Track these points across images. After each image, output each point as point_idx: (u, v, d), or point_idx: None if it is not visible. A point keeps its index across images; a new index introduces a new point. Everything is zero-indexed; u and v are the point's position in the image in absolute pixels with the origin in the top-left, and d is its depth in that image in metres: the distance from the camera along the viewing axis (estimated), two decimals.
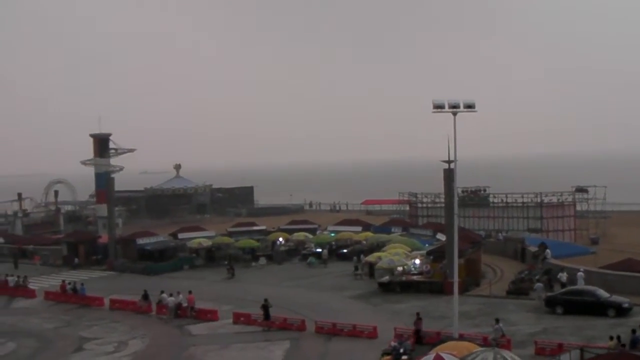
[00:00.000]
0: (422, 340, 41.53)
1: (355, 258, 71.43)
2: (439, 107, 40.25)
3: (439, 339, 39.23)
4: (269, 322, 48.66)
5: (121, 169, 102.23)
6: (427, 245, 72.30)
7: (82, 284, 64.27)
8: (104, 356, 44.18)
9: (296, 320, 48.21)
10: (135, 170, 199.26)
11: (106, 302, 59.16)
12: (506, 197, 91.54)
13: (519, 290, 55.40)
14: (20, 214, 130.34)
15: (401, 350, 38.01)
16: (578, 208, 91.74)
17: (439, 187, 67.61)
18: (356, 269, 67.30)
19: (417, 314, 44.25)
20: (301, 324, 47.64)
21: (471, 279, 58.93)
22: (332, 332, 45.91)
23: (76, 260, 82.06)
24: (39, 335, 49.98)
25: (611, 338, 35.87)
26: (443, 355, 29.37)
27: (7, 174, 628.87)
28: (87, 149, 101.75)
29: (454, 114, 40.24)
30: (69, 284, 64.45)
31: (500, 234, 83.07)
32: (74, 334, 50.03)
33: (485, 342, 38.35)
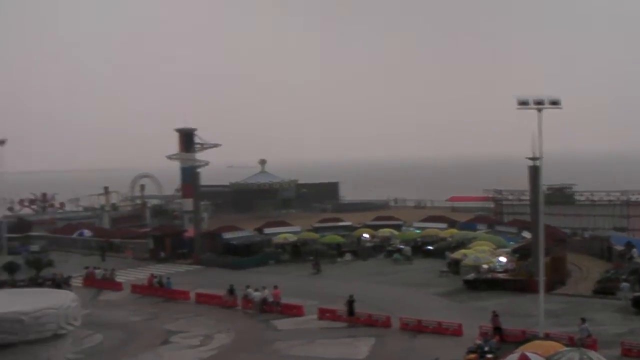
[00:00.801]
0: (502, 336, 41.13)
1: (448, 254, 70.47)
2: (523, 103, 39.68)
3: (524, 338, 38.75)
4: (353, 318, 48.56)
5: (207, 163, 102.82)
6: (512, 242, 71.54)
7: (169, 278, 64.84)
8: (190, 349, 44.52)
9: (381, 316, 47.97)
10: (222, 165, 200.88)
11: (192, 295, 59.65)
12: (592, 195, 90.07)
13: (605, 289, 54.30)
14: (107, 208, 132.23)
15: (486, 349, 37.60)
16: None
17: (525, 184, 66.80)
18: (449, 265, 66.67)
19: (494, 311, 43.85)
20: (386, 321, 47.39)
21: (557, 277, 57.99)
22: (417, 329, 45.62)
23: (162, 254, 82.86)
24: (126, 328, 50.50)
25: None
26: (528, 354, 28.94)
27: (95, 167, 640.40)
28: (173, 144, 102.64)
29: (539, 110, 39.61)
30: (155, 277, 65.21)
31: (585, 232, 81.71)
32: (160, 327, 50.44)
33: (571, 342, 37.75)
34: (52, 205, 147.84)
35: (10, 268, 70.58)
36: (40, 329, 8.79)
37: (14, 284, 62.69)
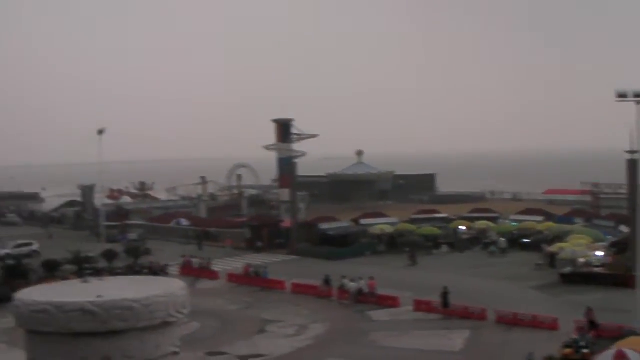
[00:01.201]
0: (597, 331, 40.69)
1: (544, 247, 69.77)
2: (622, 95, 39.18)
3: (620, 334, 38.27)
4: (449, 310, 48.58)
5: (304, 154, 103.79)
6: (609, 237, 70.52)
7: (265, 267, 65.56)
8: (285, 339, 44.97)
9: (477, 309, 47.84)
10: (319, 156, 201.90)
11: (288, 285, 60.12)
12: None
13: None
14: (204, 197, 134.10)
15: (582, 344, 37.29)
16: None
17: (623, 177, 65.81)
18: (545, 258, 66.06)
19: (588, 307, 43.43)
20: (481, 313, 47.26)
21: None
22: (512, 322, 45.42)
23: (259, 243, 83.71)
24: (222, 316, 51.24)
25: None
26: (626, 351, 28.66)
27: (193, 157, 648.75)
28: (271, 134, 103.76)
29: (638, 102, 39.05)
30: (251, 267, 65.99)
31: None
32: (256, 316, 51.04)
33: None
34: (148, 196, 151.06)
35: (109, 256, 72.25)
36: (150, 317, 9.19)
37: (112, 272, 64.13)
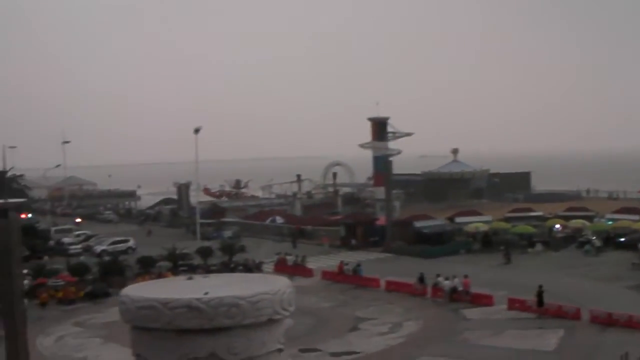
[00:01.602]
0: None
1: None
2: None
3: None
4: (543, 309, 48.46)
5: (399, 152, 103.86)
6: None
7: (359, 265, 66.17)
8: (379, 336, 45.38)
9: (571, 308, 47.58)
10: (414, 154, 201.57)
11: (382, 283, 60.44)
12: None
13: None
14: (299, 195, 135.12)
15: None
16: None
17: None
18: None
19: None
20: (576, 313, 46.98)
21: None
22: (607, 322, 45.04)
23: (353, 241, 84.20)
24: (316, 313, 51.68)
25: None
26: None
27: (288, 155, 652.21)
28: (366, 133, 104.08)
29: None
30: (346, 264, 66.58)
31: None
32: (350, 314, 51.57)
33: None
34: (240, 195, 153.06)
35: (204, 253, 73.61)
36: (256, 314, 9.52)
37: (207, 269, 65.32)
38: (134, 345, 11.16)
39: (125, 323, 11.18)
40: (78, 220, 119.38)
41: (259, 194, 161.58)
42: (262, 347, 10.79)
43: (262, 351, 10.80)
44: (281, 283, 11.37)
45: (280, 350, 11.33)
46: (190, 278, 12.27)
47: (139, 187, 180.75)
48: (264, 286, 10.92)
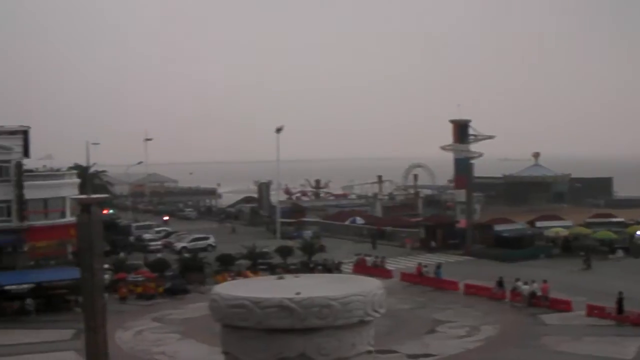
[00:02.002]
0: None
1: None
2: None
3: None
4: (622, 316, 48.02)
5: (480, 155, 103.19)
6: None
7: (440, 267, 66.02)
8: (456, 339, 45.51)
9: None
10: (495, 157, 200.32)
11: (460, 286, 60.52)
12: None
13: None
14: (380, 196, 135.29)
15: None
16: None
17: None
18: None
19: None
20: None
21: None
22: None
23: (433, 243, 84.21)
24: (395, 315, 51.56)
25: None
26: None
27: (369, 156, 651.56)
28: (447, 135, 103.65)
29: None
30: (425, 266, 66.57)
31: None
32: (427, 316, 51.76)
33: None
34: (314, 195, 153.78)
35: (284, 252, 74.27)
36: (347, 315, 9.67)
37: (286, 268, 65.90)
38: (223, 343, 11.45)
39: (216, 321, 11.45)
40: (166, 218, 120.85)
41: (340, 194, 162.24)
42: (352, 349, 10.96)
43: (352, 352, 10.98)
44: (373, 285, 11.51)
45: (370, 352, 11.48)
46: (281, 278, 12.51)
47: (218, 185, 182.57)
48: (356, 287, 11.08)
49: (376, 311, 11.10)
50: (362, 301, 10.75)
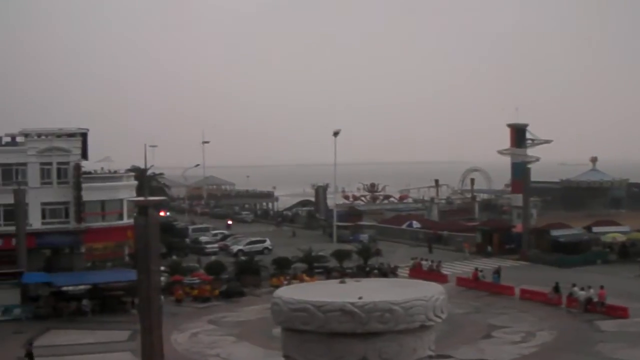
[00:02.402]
0: None
1: None
2: None
3: None
4: None
5: (537, 159, 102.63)
6: None
7: (497, 272, 65.44)
8: (511, 345, 45.43)
9: None
10: (554, 161, 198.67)
11: (516, 291, 60.26)
12: None
13: None
14: (436, 200, 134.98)
15: None
16: None
17: None
18: None
19: None
20: None
21: None
22: None
23: (489, 248, 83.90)
24: (449, 320, 51.38)
25: None
26: None
27: (424, 160, 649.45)
28: (504, 139, 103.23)
29: None
30: (481, 271, 66.42)
31: None
32: (483, 321, 51.70)
33: None
34: (371, 198, 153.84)
35: (340, 255, 74.37)
36: (409, 320, 9.75)
37: (342, 272, 66.06)
38: (284, 346, 11.60)
39: (277, 324, 11.61)
40: (229, 222, 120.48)
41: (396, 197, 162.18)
42: (413, 354, 11.05)
43: (413, 357, 11.07)
44: (434, 289, 11.56)
45: (430, 357, 11.53)
46: (342, 282, 12.66)
47: (273, 188, 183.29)
48: (418, 292, 11.15)
49: (438, 316, 11.16)
50: (424, 306, 10.80)
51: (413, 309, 10.69)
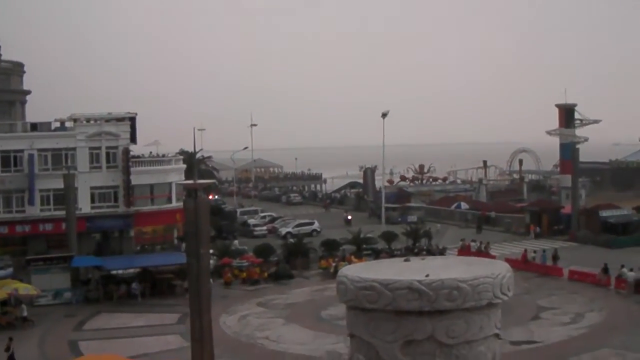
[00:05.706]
0: None
1: None
2: None
3: None
4: None
5: (586, 139, 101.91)
6: None
7: (556, 252, 65.39)
8: (560, 326, 45.24)
9: None
10: (607, 142, 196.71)
11: (565, 272, 60.01)
12: None
13: None
14: (485, 181, 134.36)
15: None
16: None
17: None
18: None
19: None
20: None
21: None
22: None
23: (538, 229, 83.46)
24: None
25: None
26: None
27: (476, 141, 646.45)
28: (553, 119, 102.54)
29: None
30: (534, 252, 66.06)
31: None
32: (532, 302, 51.40)
33: None
34: (425, 179, 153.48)
35: (388, 237, 74.31)
36: (476, 297, 9.75)
37: (391, 253, 65.95)
38: (350, 325, 11.61)
39: (343, 303, 11.63)
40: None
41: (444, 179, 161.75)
42: (480, 332, 11.03)
43: (480, 335, 11.05)
44: (501, 267, 11.49)
45: (497, 335, 11.50)
46: (407, 260, 12.66)
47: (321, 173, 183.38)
48: (484, 269, 11.09)
49: (504, 294, 11.11)
50: (491, 283, 10.76)
51: (480, 287, 10.64)
